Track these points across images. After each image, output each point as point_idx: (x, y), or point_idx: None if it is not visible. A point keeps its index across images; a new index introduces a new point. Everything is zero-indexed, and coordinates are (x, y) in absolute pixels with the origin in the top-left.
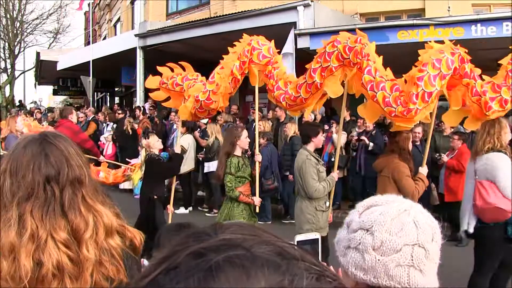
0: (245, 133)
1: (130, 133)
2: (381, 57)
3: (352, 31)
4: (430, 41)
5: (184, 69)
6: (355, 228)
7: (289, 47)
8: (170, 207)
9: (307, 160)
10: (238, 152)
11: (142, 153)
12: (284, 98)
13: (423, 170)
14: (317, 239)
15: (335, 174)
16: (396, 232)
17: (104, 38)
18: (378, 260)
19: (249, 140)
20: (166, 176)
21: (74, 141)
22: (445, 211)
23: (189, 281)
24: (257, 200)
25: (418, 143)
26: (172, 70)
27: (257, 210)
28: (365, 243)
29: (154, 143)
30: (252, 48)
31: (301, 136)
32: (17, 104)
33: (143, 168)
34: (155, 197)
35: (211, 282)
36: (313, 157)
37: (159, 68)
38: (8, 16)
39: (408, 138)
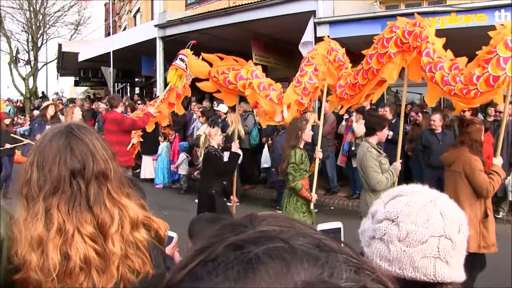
0: (309, 126)
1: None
2: (443, 39)
3: (372, 19)
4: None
5: (236, 61)
6: (380, 218)
7: (308, 35)
8: (233, 197)
9: (367, 153)
10: (301, 144)
11: (202, 139)
12: (345, 91)
13: (498, 161)
14: (339, 228)
15: (398, 164)
16: (422, 223)
17: (124, 29)
18: (404, 251)
19: (312, 133)
20: (223, 175)
21: (123, 129)
22: None
23: (228, 273)
24: (314, 196)
25: (439, 130)
26: (221, 59)
27: (312, 207)
28: (391, 234)
29: (216, 135)
30: (331, 49)
31: (365, 127)
32: (40, 95)
33: (202, 163)
34: (213, 192)
35: (251, 275)
36: (374, 149)
37: (205, 55)
38: (31, 9)
39: (480, 130)
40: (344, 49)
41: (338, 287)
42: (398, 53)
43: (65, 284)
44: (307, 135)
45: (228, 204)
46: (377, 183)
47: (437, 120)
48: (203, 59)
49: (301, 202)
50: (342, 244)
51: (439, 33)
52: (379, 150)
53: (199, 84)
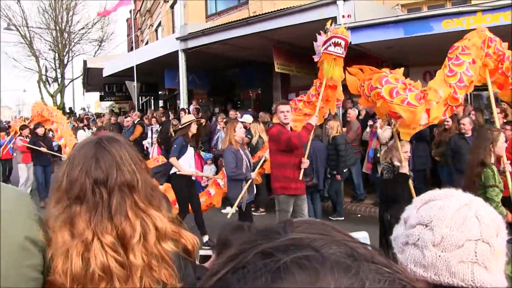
0: (502, 137)
1: (173, 135)
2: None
3: (394, 23)
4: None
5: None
6: (413, 223)
7: None
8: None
9: None
10: (492, 159)
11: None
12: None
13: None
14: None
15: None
16: (457, 227)
17: (146, 43)
18: (439, 256)
19: (506, 145)
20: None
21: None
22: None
23: (256, 282)
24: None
25: (469, 134)
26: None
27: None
28: (425, 239)
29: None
30: (489, 39)
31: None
32: (68, 111)
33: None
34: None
35: (278, 283)
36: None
37: (350, 70)
38: (57, 28)
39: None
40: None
41: None
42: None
43: None
44: (500, 148)
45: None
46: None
47: (467, 124)
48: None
49: None
50: (377, 253)
51: (464, 34)
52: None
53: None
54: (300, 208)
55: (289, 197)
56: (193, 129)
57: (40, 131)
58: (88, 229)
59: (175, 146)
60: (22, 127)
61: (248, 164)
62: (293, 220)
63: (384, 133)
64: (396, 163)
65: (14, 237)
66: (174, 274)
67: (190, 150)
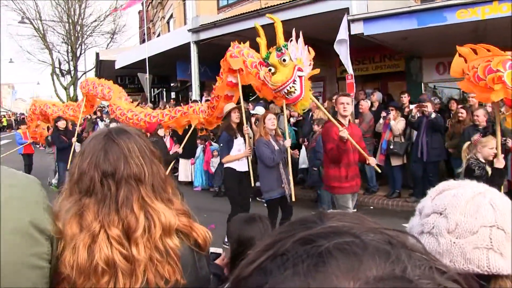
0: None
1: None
2: None
3: (408, 13)
4: None
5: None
6: (428, 212)
7: (343, 33)
8: None
9: None
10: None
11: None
12: None
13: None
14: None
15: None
16: (472, 213)
17: (158, 35)
18: (454, 243)
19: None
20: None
21: None
22: None
23: (298, 268)
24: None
25: (482, 126)
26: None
27: None
28: (439, 227)
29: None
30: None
31: None
32: None
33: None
34: None
35: (321, 269)
36: None
37: (460, 49)
38: (70, 21)
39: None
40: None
41: (412, 282)
42: None
43: (91, 282)
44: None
45: None
46: None
47: (481, 116)
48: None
49: None
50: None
51: (480, 24)
52: None
53: (459, 84)
54: (345, 204)
55: (346, 195)
56: (234, 118)
57: (61, 124)
58: (96, 221)
59: (221, 145)
60: (57, 119)
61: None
62: (327, 211)
63: (398, 124)
64: (481, 158)
65: (19, 223)
66: (178, 270)
67: (238, 141)
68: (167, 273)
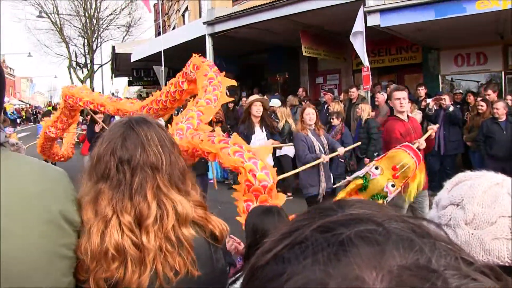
0: None
1: None
2: None
3: (425, 4)
4: None
5: None
6: (445, 204)
7: (358, 25)
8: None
9: None
10: None
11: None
12: None
13: None
14: None
15: None
16: (489, 204)
17: (174, 28)
18: (472, 234)
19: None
20: None
21: None
22: None
23: (317, 256)
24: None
25: (503, 119)
26: None
27: None
28: (456, 218)
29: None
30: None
31: None
32: None
33: None
34: None
35: (342, 258)
36: None
37: None
38: (86, 14)
39: None
40: None
41: (437, 272)
42: None
43: (102, 268)
44: None
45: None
46: None
47: (500, 108)
48: None
49: None
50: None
51: (501, 13)
52: None
53: None
54: (420, 205)
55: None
56: (255, 111)
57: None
58: (109, 207)
59: None
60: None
61: (322, 149)
62: (345, 199)
63: (415, 117)
64: None
65: (52, 215)
66: (192, 261)
67: (259, 136)
68: (177, 264)
